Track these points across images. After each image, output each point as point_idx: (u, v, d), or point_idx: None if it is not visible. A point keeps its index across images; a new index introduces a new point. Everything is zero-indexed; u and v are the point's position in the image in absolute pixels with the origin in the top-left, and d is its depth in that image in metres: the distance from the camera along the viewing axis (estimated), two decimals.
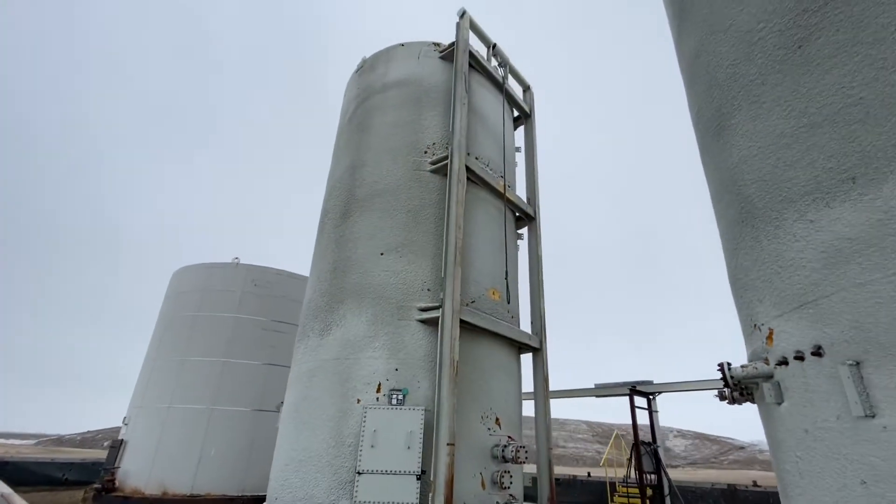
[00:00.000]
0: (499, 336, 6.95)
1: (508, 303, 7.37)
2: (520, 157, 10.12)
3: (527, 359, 8.06)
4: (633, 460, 9.05)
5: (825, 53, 3.09)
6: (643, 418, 9.54)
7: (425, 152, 7.79)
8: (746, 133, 3.72)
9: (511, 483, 6.06)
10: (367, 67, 9.40)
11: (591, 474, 13.67)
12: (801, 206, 3.21)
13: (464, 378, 6.27)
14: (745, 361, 4.17)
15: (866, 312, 2.82)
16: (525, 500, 6.82)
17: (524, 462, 6.10)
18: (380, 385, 5.99)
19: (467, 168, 7.28)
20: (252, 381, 11.19)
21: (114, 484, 10.44)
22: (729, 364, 4.18)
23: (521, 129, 10.52)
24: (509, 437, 6.39)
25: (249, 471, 11.24)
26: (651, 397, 9.93)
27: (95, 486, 10.28)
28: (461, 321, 6.19)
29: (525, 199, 9.32)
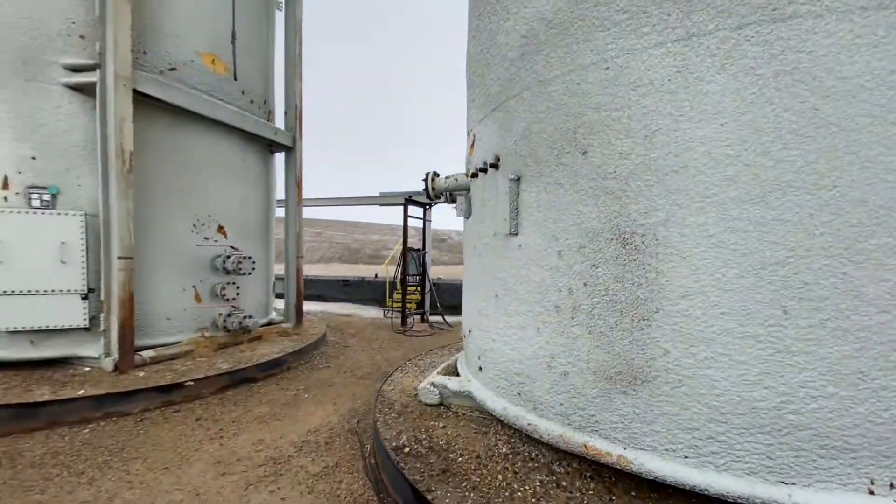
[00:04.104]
0: (223, 125, 5.58)
1: (235, 79, 5.78)
2: None
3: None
4: (400, 264, 10.09)
5: None
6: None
7: None
8: None
9: (237, 294, 5.76)
10: None
11: (378, 276, 15.48)
12: None
13: (164, 176, 5.05)
14: None
15: (537, 118, 2.60)
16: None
17: (248, 273, 5.76)
18: (6, 180, 4.27)
19: None
20: None
21: None
22: (436, 174, 4.00)
23: None
24: (232, 247, 5.80)
25: None
26: (427, 207, 10.71)
27: None
28: (141, 94, 4.52)
29: None
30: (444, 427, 3.07)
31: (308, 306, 11.78)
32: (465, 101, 3.74)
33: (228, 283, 5.67)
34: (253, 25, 6.22)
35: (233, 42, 5.65)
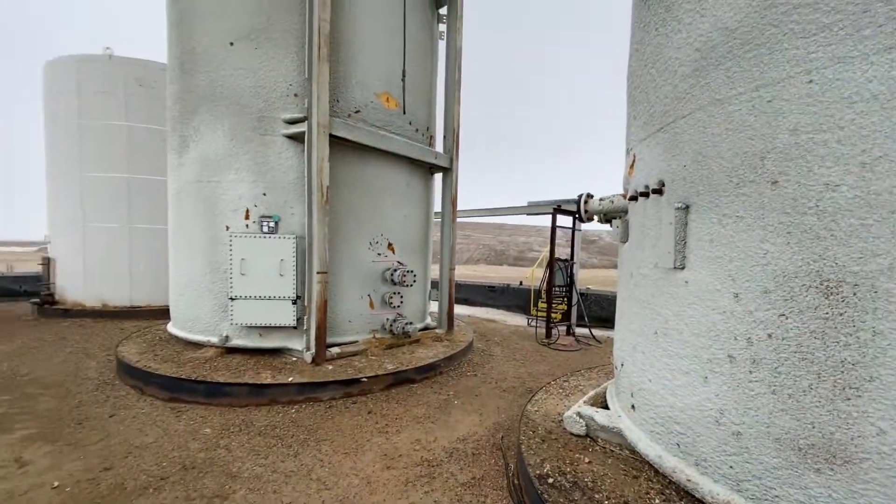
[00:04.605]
0: (394, 154, 6.34)
1: (404, 113, 6.47)
2: None
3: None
4: (546, 275, 9.91)
5: None
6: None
7: None
8: None
9: (401, 303, 6.47)
10: None
11: (523, 283, 15.50)
12: None
13: (349, 203, 5.96)
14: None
15: (712, 142, 2.31)
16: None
17: (410, 285, 6.40)
18: (248, 211, 5.64)
19: None
20: (163, 198, 10.53)
21: (53, 298, 11.10)
22: (590, 195, 3.84)
23: None
24: (399, 262, 6.54)
25: None
26: (576, 217, 10.28)
27: (34, 301, 10.90)
28: (335, 137, 5.45)
29: None
30: (589, 462, 2.95)
31: (457, 310, 12.48)
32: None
33: (395, 293, 6.42)
34: (419, 60, 6.92)
35: (403, 80, 6.39)
